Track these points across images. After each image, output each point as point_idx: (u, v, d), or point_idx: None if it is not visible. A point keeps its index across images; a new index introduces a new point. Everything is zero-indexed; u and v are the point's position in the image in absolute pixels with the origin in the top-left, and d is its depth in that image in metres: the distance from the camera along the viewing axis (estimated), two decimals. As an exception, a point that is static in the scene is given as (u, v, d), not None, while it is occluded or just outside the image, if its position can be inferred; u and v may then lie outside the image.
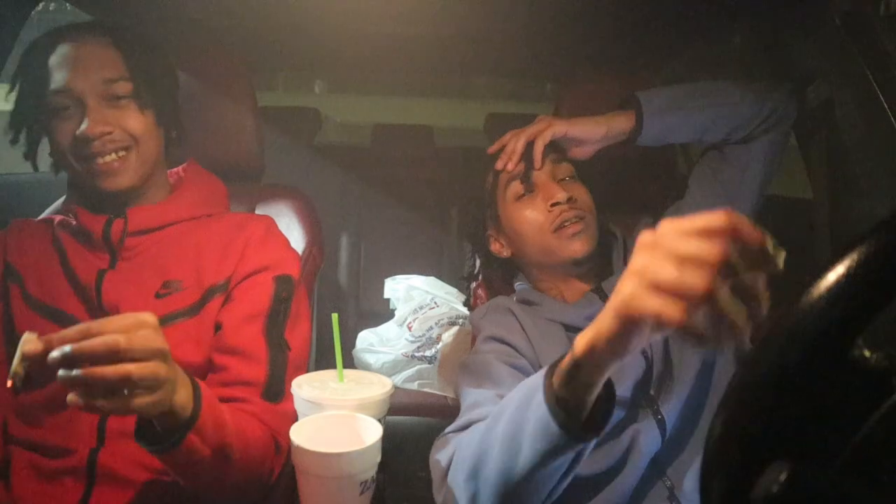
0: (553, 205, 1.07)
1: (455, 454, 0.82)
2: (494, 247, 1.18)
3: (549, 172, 1.10)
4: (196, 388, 0.73)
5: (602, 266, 1.14)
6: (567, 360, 0.64)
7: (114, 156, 0.93)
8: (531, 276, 1.17)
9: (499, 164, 1.12)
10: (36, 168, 0.99)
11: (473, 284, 1.35)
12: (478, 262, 1.31)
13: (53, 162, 0.98)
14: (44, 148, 0.98)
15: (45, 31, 0.96)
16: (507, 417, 0.74)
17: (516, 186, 1.11)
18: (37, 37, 0.96)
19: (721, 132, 1.10)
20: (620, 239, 1.19)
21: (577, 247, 1.06)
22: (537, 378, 0.69)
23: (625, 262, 1.14)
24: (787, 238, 1.50)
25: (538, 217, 1.08)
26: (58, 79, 0.91)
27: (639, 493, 0.93)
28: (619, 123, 1.10)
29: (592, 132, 1.10)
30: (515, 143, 1.11)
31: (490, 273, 1.29)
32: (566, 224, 1.06)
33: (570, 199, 1.07)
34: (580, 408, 0.65)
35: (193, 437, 0.72)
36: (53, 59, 0.92)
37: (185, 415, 0.71)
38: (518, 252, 1.15)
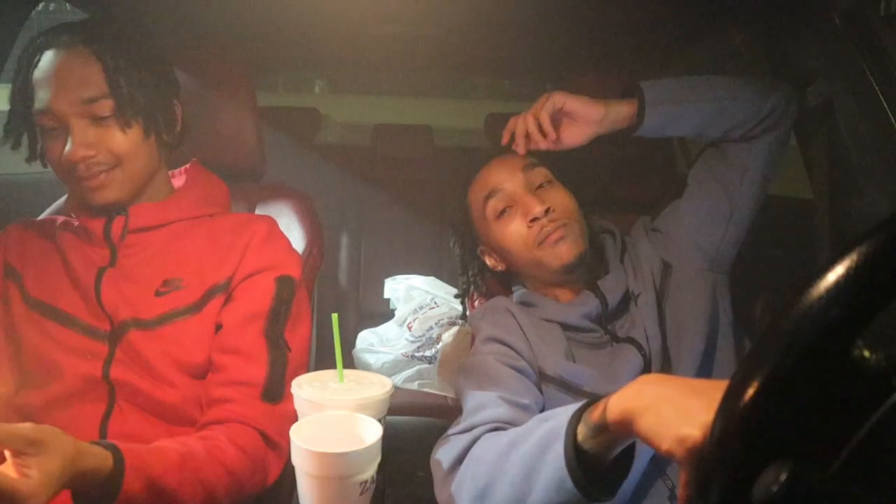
0: (532, 220, 1.05)
1: (466, 465, 0.83)
2: (489, 261, 1.18)
3: (524, 184, 1.09)
4: (117, 461, 0.71)
5: (596, 265, 1.14)
6: (597, 418, 0.64)
7: (102, 177, 0.92)
8: (528, 284, 1.17)
9: (517, 146, 1.10)
10: (44, 165, 0.99)
11: (468, 299, 1.32)
12: (471, 276, 1.28)
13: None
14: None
15: (31, 37, 0.94)
16: (523, 452, 0.74)
17: (493, 204, 1.10)
18: (26, 44, 0.94)
19: (722, 127, 1.08)
20: (618, 237, 1.19)
21: (563, 251, 1.05)
22: (561, 422, 0.69)
23: (621, 260, 1.14)
24: (787, 238, 1.50)
25: (521, 232, 1.07)
26: (41, 98, 0.89)
27: (639, 493, 0.93)
28: (619, 110, 1.06)
29: (591, 110, 1.05)
30: (514, 124, 1.09)
31: (487, 283, 1.27)
32: (549, 236, 1.05)
33: (547, 211, 1.05)
34: (599, 463, 0.66)
35: None
36: (37, 75, 0.90)
37: (103, 489, 0.70)
38: (511, 265, 1.15)
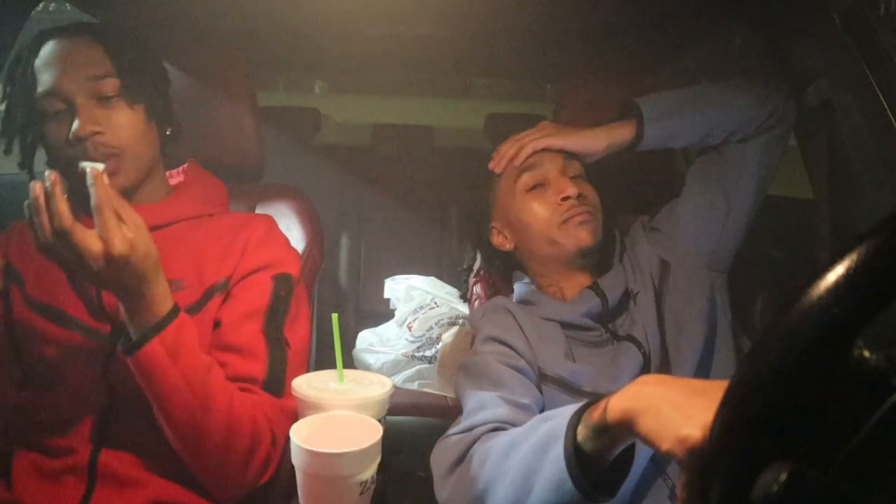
0: (563, 198, 1.07)
1: (466, 466, 0.83)
2: (497, 239, 1.18)
3: (561, 168, 1.11)
4: (174, 309, 0.81)
5: (601, 264, 1.14)
6: (597, 418, 0.64)
7: (110, 163, 0.91)
8: (532, 271, 1.17)
9: (491, 165, 1.15)
10: (33, 176, 0.98)
11: (472, 279, 1.35)
12: (478, 256, 1.31)
13: (48, 162, 0.97)
14: (40, 157, 0.97)
15: (31, 37, 0.95)
16: (523, 452, 0.74)
17: (527, 178, 1.12)
18: (22, 44, 0.96)
19: (721, 135, 1.10)
20: (617, 237, 1.19)
21: (583, 234, 1.07)
22: (561, 422, 0.69)
23: (620, 259, 1.15)
24: (787, 238, 1.50)
25: (546, 210, 1.09)
26: (45, 81, 0.90)
27: (639, 493, 0.93)
28: (620, 134, 1.11)
29: (592, 147, 1.11)
30: (508, 148, 1.13)
31: (490, 267, 1.29)
32: (574, 217, 1.07)
33: (579, 196, 1.08)
34: (599, 464, 0.66)
35: (158, 347, 0.78)
36: (39, 62, 0.91)
37: (153, 320, 0.79)
38: (521, 244, 1.15)
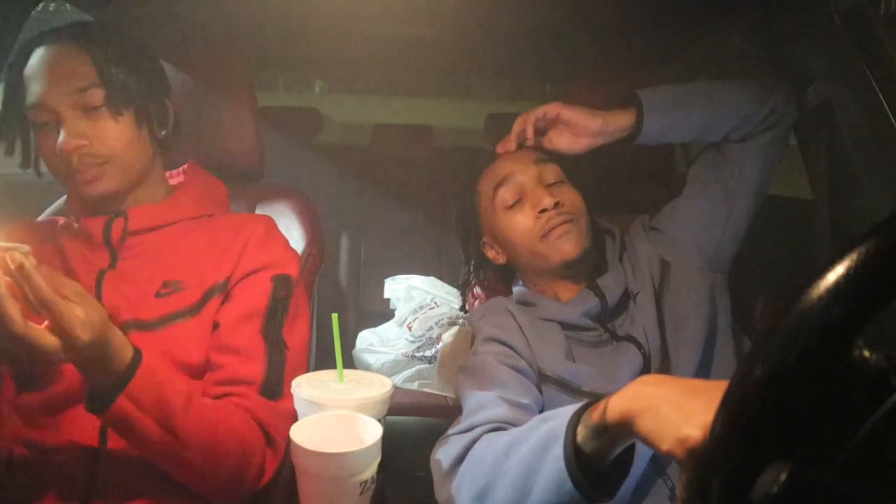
0: (540, 211, 1.06)
1: (466, 466, 0.83)
2: (490, 253, 1.18)
3: (536, 177, 1.10)
4: (136, 357, 0.77)
5: (597, 263, 1.14)
6: (596, 418, 0.64)
7: (95, 170, 0.92)
8: (528, 280, 1.17)
9: (500, 147, 1.15)
10: (39, 174, 0.99)
11: (468, 289, 1.34)
12: (472, 270, 1.30)
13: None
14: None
15: (24, 41, 0.95)
16: (523, 452, 0.74)
17: (504, 195, 1.10)
18: (16, 50, 0.95)
19: (721, 131, 1.09)
20: (617, 237, 1.19)
21: (567, 247, 1.06)
22: (561, 422, 0.69)
23: (620, 259, 1.14)
24: (787, 238, 1.50)
25: (527, 224, 1.08)
26: (32, 93, 0.90)
27: (639, 493, 0.93)
28: (619, 120, 1.08)
29: (588, 122, 1.07)
30: (518, 126, 1.12)
31: (487, 277, 1.28)
32: (554, 229, 1.06)
33: (556, 205, 1.06)
34: (599, 464, 0.66)
35: (126, 402, 0.75)
36: (28, 72, 0.91)
37: (116, 376, 0.75)
38: (512, 258, 1.15)
